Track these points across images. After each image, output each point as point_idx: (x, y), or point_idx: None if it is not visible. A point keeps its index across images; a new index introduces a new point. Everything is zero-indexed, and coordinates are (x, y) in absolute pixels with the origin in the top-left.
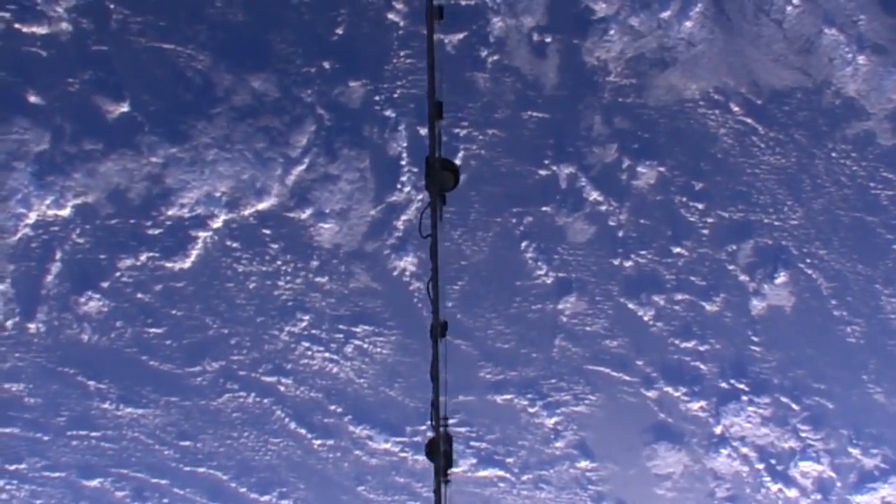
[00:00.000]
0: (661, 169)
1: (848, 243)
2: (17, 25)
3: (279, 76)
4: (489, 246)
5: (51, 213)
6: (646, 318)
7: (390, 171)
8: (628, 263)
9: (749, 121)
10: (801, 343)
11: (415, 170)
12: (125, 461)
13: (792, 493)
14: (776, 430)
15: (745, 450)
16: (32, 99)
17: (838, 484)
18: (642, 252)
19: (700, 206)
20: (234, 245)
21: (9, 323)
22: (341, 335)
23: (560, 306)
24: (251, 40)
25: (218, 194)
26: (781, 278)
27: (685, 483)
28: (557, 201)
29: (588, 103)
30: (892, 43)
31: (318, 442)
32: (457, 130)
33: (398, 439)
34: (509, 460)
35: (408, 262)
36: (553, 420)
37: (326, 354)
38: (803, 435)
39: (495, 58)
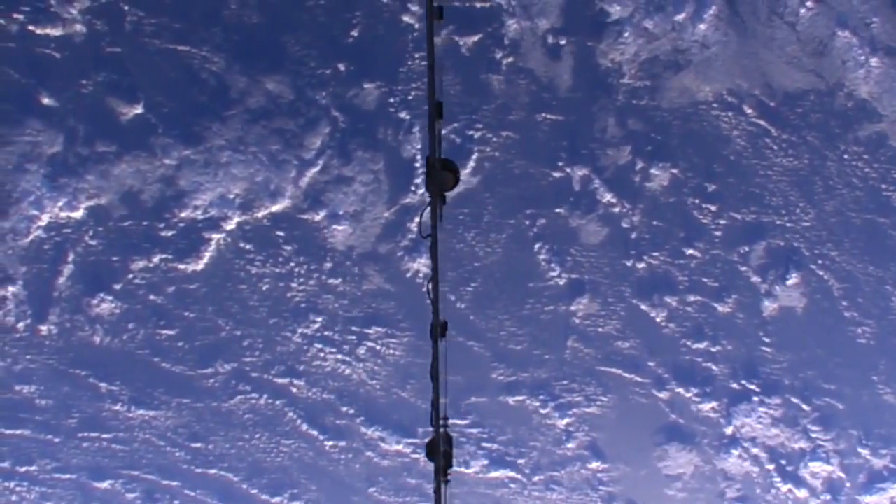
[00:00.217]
0: (675, 171)
1: (859, 245)
2: (30, 27)
3: (294, 78)
4: (502, 247)
5: (63, 214)
6: (658, 320)
7: (404, 173)
8: (641, 265)
9: (762, 123)
10: (812, 344)
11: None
12: (136, 463)
13: (802, 493)
14: (786, 431)
15: (755, 450)
16: (46, 101)
17: (848, 484)
18: (655, 253)
19: (713, 208)
20: (248, 247)
21: (21, 325)
22: (354, 337)
23: (573, 307)
24: (266, 42)
25: (232, 196)
26: (793, 279)
27: (695, 483)
28: (571, 203)
29: (602, 105)
30: None
31: (330, 443)
32: (471, 132)
33: (410, 440)
34: (521, 461)
35: (421, 264)
36: (565, 421)
37: (339, 356)
38: (813, 435)
39: (510, 60)
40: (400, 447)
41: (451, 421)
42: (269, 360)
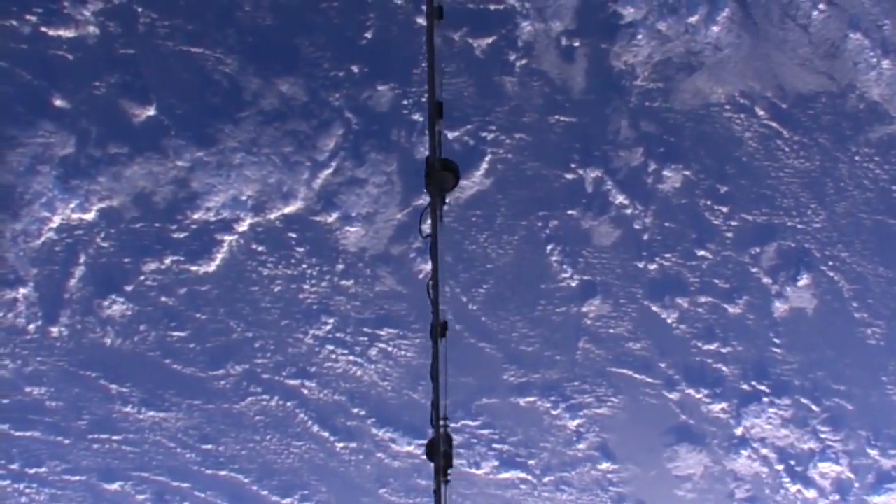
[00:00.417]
0: (687, 172)
1: (870, 246)
2: (43, 29)
3: (307, 80)
4: (514, 249)
5: (75, 216)
6: (669, 321)
7: (417, 175)
8: (653, 266)
9: (774, 125)
10: (822, 345)
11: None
12: (146, 465)
13: (810, 493)
14: (796, 432)
15: (764, 451)
16: (58, 102)
17: (856, 484)
18: (667, 255)
19: (724, 210)
20: (260, 249)
21: (31, 326)
22: (366, 338)
23: (584, 309)
24: (279, 44)
25: (244, 198)
26: (804, 281)
27: (705, 484)
28: (583, 205)
29: (615, 107)
30: None
31: (341, 445)
32: (484, 134)
33: (421, 442)
34: (531, 462)
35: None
36: (575, 422)
37: (350, 357)
38: (822, 436)
39: (524, 62)
40: (410, 448)
41: (462, 422)
42: (280, 361)
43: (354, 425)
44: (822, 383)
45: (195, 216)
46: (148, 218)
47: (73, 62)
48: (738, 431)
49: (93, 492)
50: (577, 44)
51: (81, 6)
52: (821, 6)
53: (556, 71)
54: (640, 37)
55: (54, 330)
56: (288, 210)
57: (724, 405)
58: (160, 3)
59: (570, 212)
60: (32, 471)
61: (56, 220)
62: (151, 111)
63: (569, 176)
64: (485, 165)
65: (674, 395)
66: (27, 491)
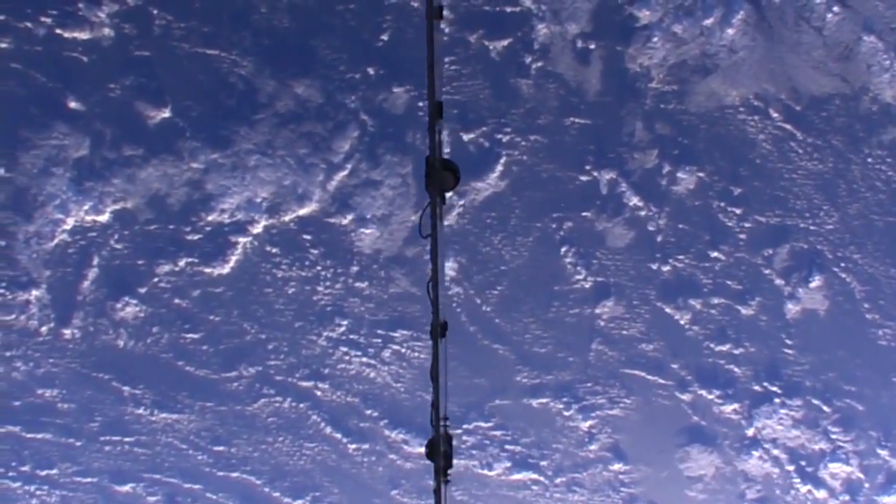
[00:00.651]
0: (701, 174)
1: (882, 247)
2: (58, 30)
3: (323, 82)
4: (529, 251)
5: (89, 218)
6: (682, 322)
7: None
8: (666, 268)
9: (788, 127)
10: (834, 346)
11: (458, 176)
12: (158, 466)
13: (821, 494)
14: (807, 432)
15: (776, 452)
16: (72, 105)
17: (867, 485)
18: (680, 257)
19: (738, 211)
20: (274, 250)
21: (44, 328)
22: (379, 340)
23: (598, 310)
24: (295, 46)
25: (259, 200)
26: (816, 282)
27: (716, 485)
28: (598, 206)
29: (630, 109)
30: None
31: (353, 446)
32: (499, 136)
33: None
34: (543, 463)
35: (448, 268)
36: (588, 423)
37: (364, 359)
38: (833, 437)
39: (539, 64)
40: (423, 450)
41: (475, 424)
42: (293, 363)
43: (367, 427)
44: (834, 384)
45: (209, 218)
46: (162, 220)
47: (87, 64)
48: (750, 432)
49: (104, 493)
50: (592, 46)
51: (96, 8)
52: (835, 9)
53: (572, 73)
54: (655, 39)
55: (67, 332)
56: (303, 212)
57: (735, 406)
58: (176, 5)
59: (584, 213)
60: (44, 472)
61: (70, 222)
62: (166, 113)
63: (583, 178)
64: (500, 167)
65: (686, 396)
66: (38, 493)
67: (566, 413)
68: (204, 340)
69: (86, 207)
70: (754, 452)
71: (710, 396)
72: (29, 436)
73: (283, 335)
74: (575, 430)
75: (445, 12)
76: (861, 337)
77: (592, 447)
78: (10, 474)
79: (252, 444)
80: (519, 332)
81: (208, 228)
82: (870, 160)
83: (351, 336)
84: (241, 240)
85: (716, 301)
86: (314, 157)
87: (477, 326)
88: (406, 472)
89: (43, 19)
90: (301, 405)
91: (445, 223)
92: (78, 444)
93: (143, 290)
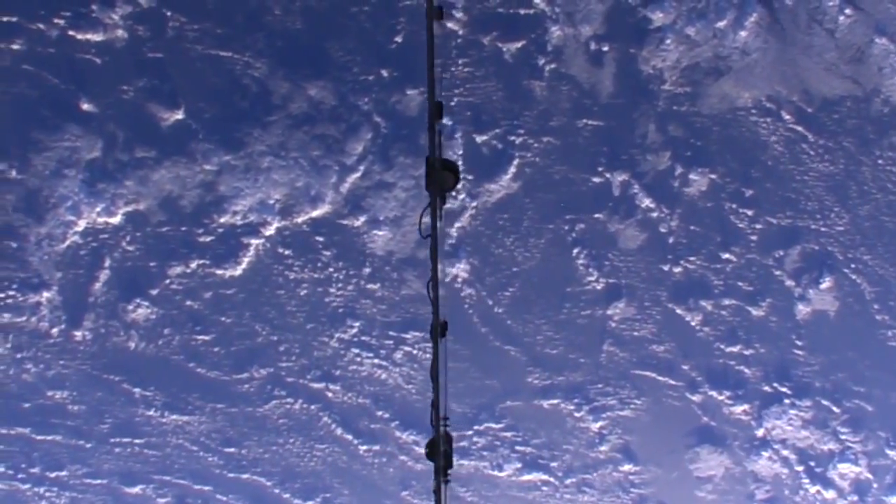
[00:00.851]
0: (713, 176)
1: (892, 249)
2: (71, 32)
3: (336, 84)
4: (541, 252)
5: (101, 220)
6: (693, 323)
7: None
8: (677, 269)
9: (799, 128)
10: (844, 347)
11: (470, 177)
12: (168, 468)
13: (829, 494)
14: (816, 433)
15: (785, 452)
16: (85, 106)
17: (875, 485)
18: (691, 258)
19: (749, 213)
20: (287, 252)
21: (55, 330)
22: (391, 341)
23: (609, 312)
24: (309, 48)
25: (272, 202)
26: (826, 283)
27: (726, 485)
28: (610, 208)
29: (643, 111)
30: None
31: (364, 448)
32: (512, 138)
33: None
34: (553, 464)
35: (459, 269)
36: (598, 424)
37: (375, 361)
38: (842, 437)
39: (552, 66)
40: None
41: (486, 425)
42: (305, 364)
43: (378, 428)
44: (843, 385)
45: (222, 220)
46: (174, 222)
47: (100, 66)
48: (760, 433)
49: (114, 495)
50: (605, 48)
51: (110, 10)
52: (847, 11)
53: (585, 75)
54: (668, 41)
55: (78, 333)
56: (315, 214)
57: (745, 407)
58: (189, 7)
59: (596, 215)
60: (54, 474)
61: (81, 224)
62: (179, 115)
63: (596, 179)
64: (512, 169)
65: (696, 397)
66: (48, 495)
67: (577, 414)
68: (215, 342)
69: (98, 209)
70: (764, 453)
71: (721, 397)
72: (39, 437)
73: (294, 337)
74: (585, 431)
75: (459, 14)
76: (871, 338)
77: (603, 448)
78: (21, 476)
79: (263, 445)
80: (530, 333)
81: (221, 230)
82: (881, 162)
83: (363, 337)
84: (254, 241)
85: (727, 302)
86: (327, 159)
87: (489, 328)
88: (416, 474)
89: (56, 21)
90: (312, 406)
91: (457, 225)
92: (88, 445)
93: (154, 292)
